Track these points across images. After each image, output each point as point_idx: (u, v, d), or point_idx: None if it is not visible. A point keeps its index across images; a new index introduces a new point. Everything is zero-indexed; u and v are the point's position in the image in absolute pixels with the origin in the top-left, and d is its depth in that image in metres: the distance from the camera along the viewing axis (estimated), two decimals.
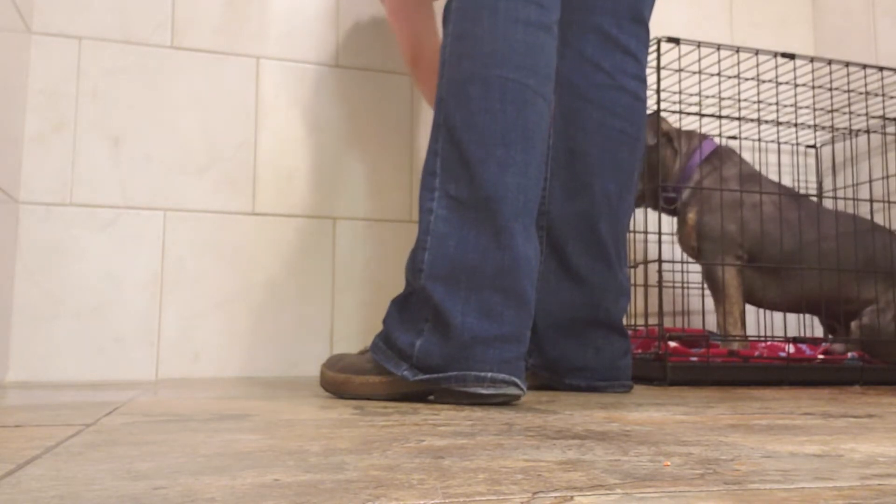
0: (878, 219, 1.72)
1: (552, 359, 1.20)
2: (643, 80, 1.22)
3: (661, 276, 1.42)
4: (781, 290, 1.55)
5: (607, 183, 1.19)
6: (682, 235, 1.57)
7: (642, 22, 1.21)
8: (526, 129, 0.97)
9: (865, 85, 1.68)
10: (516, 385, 0.94)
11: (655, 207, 1.59)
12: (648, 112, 1.54)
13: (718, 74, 1.56)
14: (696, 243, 1.54)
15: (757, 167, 1.83)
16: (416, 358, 0.95)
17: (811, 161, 1.96)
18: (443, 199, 0.98)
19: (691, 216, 1.54)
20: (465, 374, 0.93)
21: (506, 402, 0.95)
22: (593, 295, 1.19)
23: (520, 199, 0.96)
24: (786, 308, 1.58)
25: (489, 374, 0.92)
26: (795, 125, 1.74)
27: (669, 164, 1.57)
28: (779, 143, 1.84)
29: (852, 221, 1.55)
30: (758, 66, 1.69)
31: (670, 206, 1.58)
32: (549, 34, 1.01)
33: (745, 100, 1.75)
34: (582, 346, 1.19)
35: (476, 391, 0.92)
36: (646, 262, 1.52)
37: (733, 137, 1.68)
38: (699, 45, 1.52)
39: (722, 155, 1.57)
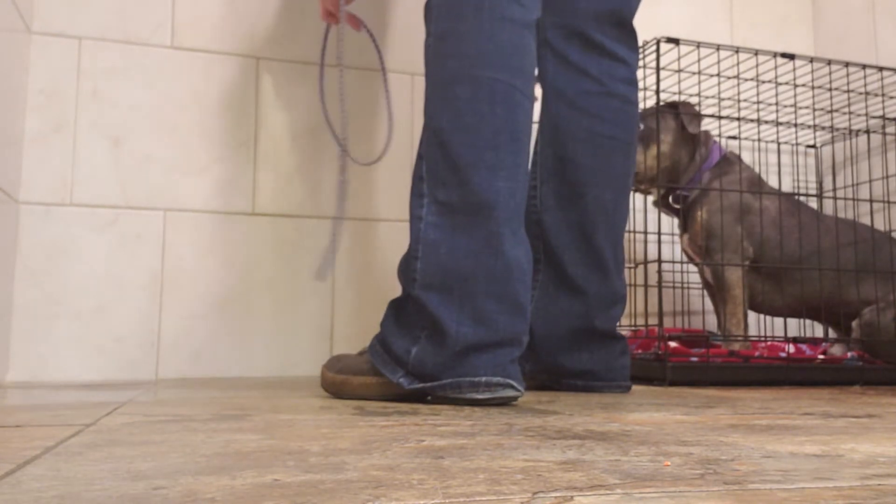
0: (878, 219, 1.72)
1: (548, 366, 1.20)
2: (633, 84, 1.20)
3: (660, 276, 1.42)
4: (782, 295, 1.55)
5: (602, 191, 1.17)
6: (691, 234, 1.57)
7: (626, 25, 1.19)
8: (515, 131, 0.95)
9: (865, 85, 1.68)
10: (512, 387, 0.94)
11: (667, 203, 1.59)
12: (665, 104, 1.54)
13: (718, 75, 1.56)
14: (703, 242, 1.54)
15: (757, 167, 1.83)
16: (412, 365, 0.95)
17: (811, 161, 1.96)
18: (432, 206, 0.96)
19: (701, 214, 1.54)
20: (460, 380, 0.93)
21: (504, 403, 0.95)
22: (589, 305, 1.18)
23: (510, 203, 0.95)
24: (787, 314, 1.59)
25: (483, 379, 0.92)
26: (795, 125, 1.74)
27: (684, 164, 1.57)
28: (778, 144, 1.84)
29: (853, 229, 1.55)
30: (757, 66, 1.69)
31: (677, 205, 1.58)
32: (531, 33, 1.00)
33: (745, 100, 1.75)
34: (577, 354, 1.19)
35: (472, 396, 0.93)
36: (646, 262, 1.52)
37: (733, 137, 1.68)
38: (699, 45, 1.52)
39: (731, 161, 1.57)
